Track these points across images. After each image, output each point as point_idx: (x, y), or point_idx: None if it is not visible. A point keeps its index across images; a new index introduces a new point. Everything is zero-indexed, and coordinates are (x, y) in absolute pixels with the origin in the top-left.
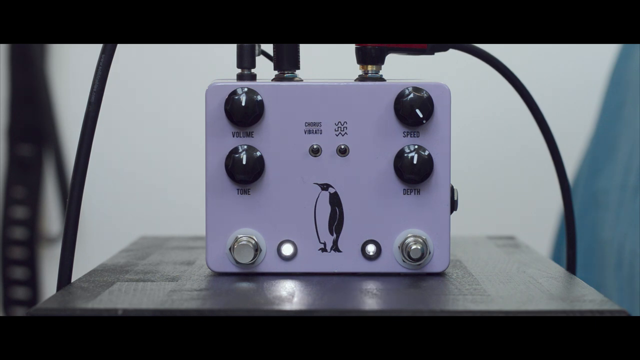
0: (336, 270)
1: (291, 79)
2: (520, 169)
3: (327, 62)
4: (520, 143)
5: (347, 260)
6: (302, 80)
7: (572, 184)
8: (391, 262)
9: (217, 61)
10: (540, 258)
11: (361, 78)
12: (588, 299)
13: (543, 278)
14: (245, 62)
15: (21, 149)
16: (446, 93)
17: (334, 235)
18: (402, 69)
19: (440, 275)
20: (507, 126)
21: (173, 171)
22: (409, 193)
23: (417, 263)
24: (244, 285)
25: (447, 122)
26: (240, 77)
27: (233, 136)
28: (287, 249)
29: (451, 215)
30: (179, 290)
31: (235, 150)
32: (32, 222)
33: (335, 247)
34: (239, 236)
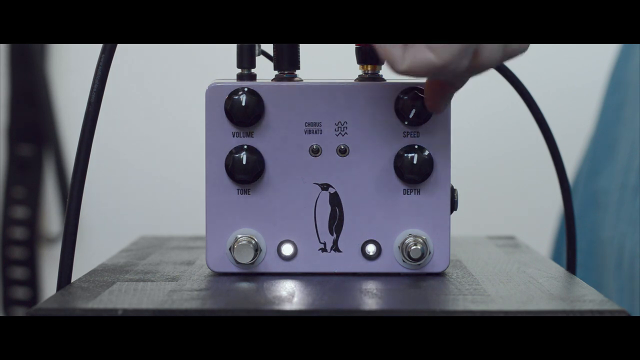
0: (336, 270)
1: (291, 79)
2: (520, 169)
3: (327, 62)
4: (520, 143)
5: (347, 260)
6: (302, 80)
7: (572, 184)
8: (391, 262)
9: (217, 61)
10: (540, 258)
11: (361, 78)
12: (588, 299)
13: (543, 278)
14: (245, 62)
15: (21, 149)
16: None
17: (334, 235)
18: None
19: (440, 275)
20: (507, 126)
21: (173, 171)
22: (409, 193)
23: (417, 263)
24: (244, 285)
25: (447, 122)
26: (240, 77)
27: (233, 136)
28: (287, 249)
29: (451, 215)
30: (179, 290)
31: (235, 150)
32: (32, 222)
33: (335, 247)
34: (239, 236)
